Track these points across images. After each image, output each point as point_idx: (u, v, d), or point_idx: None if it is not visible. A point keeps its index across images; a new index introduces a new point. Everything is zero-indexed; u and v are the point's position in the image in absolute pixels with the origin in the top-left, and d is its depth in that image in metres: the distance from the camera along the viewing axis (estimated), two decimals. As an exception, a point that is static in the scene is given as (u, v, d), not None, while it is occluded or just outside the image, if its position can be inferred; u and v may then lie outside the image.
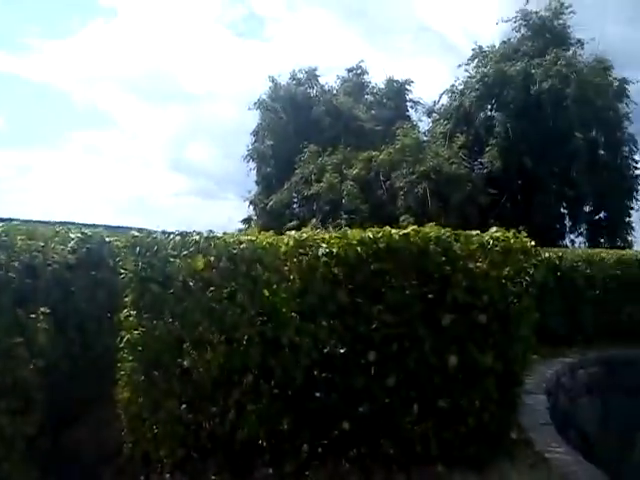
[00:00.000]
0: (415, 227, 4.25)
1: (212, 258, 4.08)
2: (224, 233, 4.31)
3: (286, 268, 4.20)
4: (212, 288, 4.11)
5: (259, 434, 4.14)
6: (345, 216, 26.98)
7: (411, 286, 4.13)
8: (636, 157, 29.25)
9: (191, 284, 4.09)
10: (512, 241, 4.27)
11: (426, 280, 4.16)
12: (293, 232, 4.35)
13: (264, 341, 4.11)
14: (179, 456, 3.98)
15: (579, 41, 29.55)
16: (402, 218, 23.20)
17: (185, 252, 4.10)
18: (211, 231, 4.29)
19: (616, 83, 28.19)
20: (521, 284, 4.29)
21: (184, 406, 4.05)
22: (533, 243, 4.48)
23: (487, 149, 27.77)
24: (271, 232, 4.58)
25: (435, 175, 24.96)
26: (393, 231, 4.17)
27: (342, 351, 4.14)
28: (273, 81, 32.57)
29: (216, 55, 62.54)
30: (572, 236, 30.54)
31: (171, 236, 4.20)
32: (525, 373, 6.86)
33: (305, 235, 4.26)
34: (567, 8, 29.12)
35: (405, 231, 4.17)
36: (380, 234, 4.12)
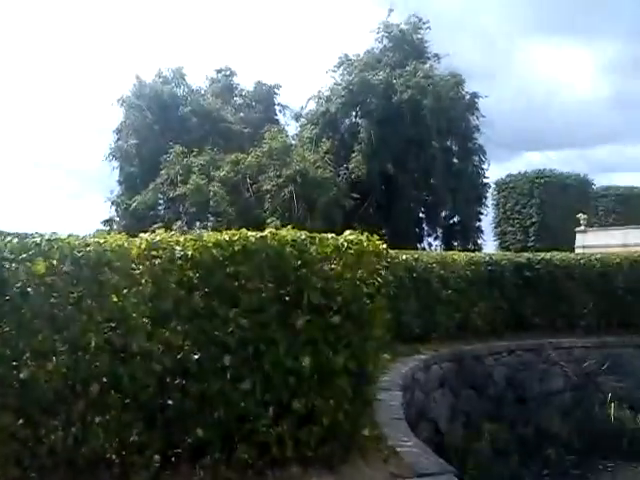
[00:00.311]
0: (272, 230, 4.25)
1: (55, 262, 3.81)
2: (69, 235, 4.03)
3: (137, 272, 4.02)
4: (55, 294, 3.84)
5: (106, 447, 3.93)
6: (212, 218, 26.78)
7: (267, 289, 4.12)
8: (484, 166, 31.81)
9: (31, 290, 3.79)
10: (365, 244, 4.40)
11: (282, 282, 4.17)
12: (146, 234, 4.18)
13: (113, 349, 3.91)
14: (13, 477, 3.66)
15: (436, 55, 31.57)
16: (269, 221, 23.41)
17: (24, 255, 3.79)
18: (54, 233, 4.01)
19: (467, 97, 30.49)
20: (374, 285, 4.44)
21: (21, 421, 3.74)
22: (385, 246, 4.65)
23: (353, 155, 28.78)
24: (123, 234, 4.37)
25: (301, 179, 25.45)
26: (250, 233, 4.15)
27: (197, 356, 4.04)
28: (138, 78, 31.47)
29: (86, 47, 59.43)
30: (430, 239, 32.51)
31: (8, 238, 3.87)
32: (381, 371, 7.17)
33: (158, 237, 4.11)
34: (425, 23, 31.05)
35: (262, 234, 4.16)
36: (236, 236, 4.08)
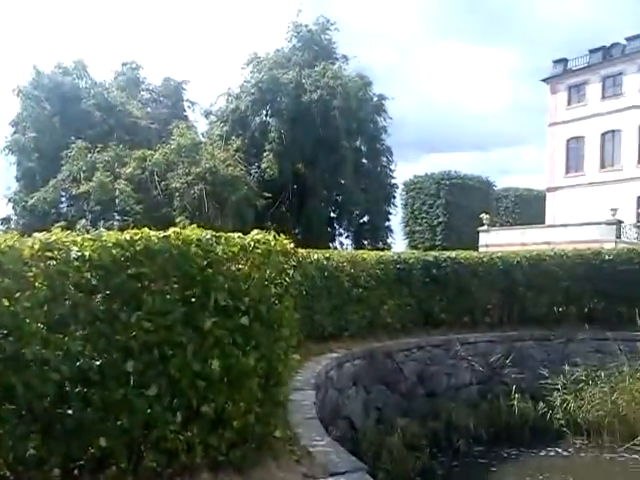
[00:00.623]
0: (176, 229, 4.09)
1: None
2: (-48, 235, 3.70)
3: (30, 274, 3.75)
4: None
5: (-1, 463, 3.65)
6: (118, 217, 25.80)
7: (172, 290, 3.96)
8: (392, 167, 32.65)
9: None
10: (273, 243, 4.33)
11: (188, 283, 4.02)
12: (40, 234, 3.90)
13: (4, 357, 3.63)
14: None
15: (344, 56, 32.08)
16: (178, 220, 22.87)
17: None
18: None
19: (375, 98, 31.17)
20: (282, 285, 4.38)
21: None
22: (293, 245, 4.60)
23: (264, 154, 28.65)
24: (15, 233, 4.07)
25: (211, 177, 25.03)
26: (152, 233, 3.96)
27: (98, 363, 3.82)
28: (35, 68, 29.83)
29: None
30: (342, 238, 32.97)
31: None
32: (294, 371, 7.14)
33: (54, 237, 3.85)
34: (332, 25, 31.44)
35: (165, 233, 3.99)
36: (138, 236, 3.89)
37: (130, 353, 3.86)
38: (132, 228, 4.15)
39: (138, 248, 3.85)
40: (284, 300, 4.42)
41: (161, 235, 3.94)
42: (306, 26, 31.20)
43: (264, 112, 30.63)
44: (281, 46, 31.83)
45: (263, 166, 28.34)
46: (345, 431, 9.29)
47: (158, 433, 3.96)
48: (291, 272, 4.54)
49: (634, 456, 10.84)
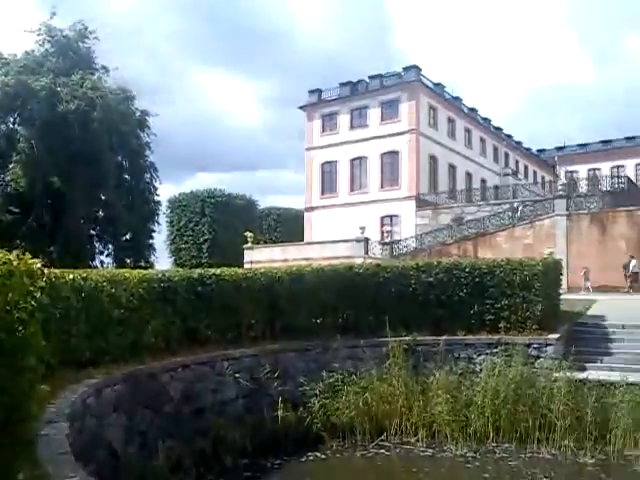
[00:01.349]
0: None
1: None
2: None
3: None
4: None
5: None
6: None
7: None
8: (156, 184, 32.09)
9: None
10: (15, 263, 3.90)
11: None
12: None
13: None
14: None
15: (104, 67, 30.75)
16: None
17: None
18: None
19: (138, 113, 30.40)
20: (27, 309, 3.97)
21: None
22: (40, 265, 4.20)
23: (10, 166, 26.05)
24: None
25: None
26: None
27: None
28: None
29: None
30: (102, 257, 31.28)
31: None
32: (47, 402, 6.53)
33: None
34: (92, 33, 29.91)
35: None
36: None
37: None
38: None
39: None
40: (30, 326, 4.00)
41: None
42: (61, 31, 29.15)
43: (11, 119, 27.88)
44: (32, 49, 29.31)
45: (7, 178, 25.67)
46: (106, 461, 8.74)
47: None
48: (38, 295, 4.13)
49: (381, 451, 11.98)
